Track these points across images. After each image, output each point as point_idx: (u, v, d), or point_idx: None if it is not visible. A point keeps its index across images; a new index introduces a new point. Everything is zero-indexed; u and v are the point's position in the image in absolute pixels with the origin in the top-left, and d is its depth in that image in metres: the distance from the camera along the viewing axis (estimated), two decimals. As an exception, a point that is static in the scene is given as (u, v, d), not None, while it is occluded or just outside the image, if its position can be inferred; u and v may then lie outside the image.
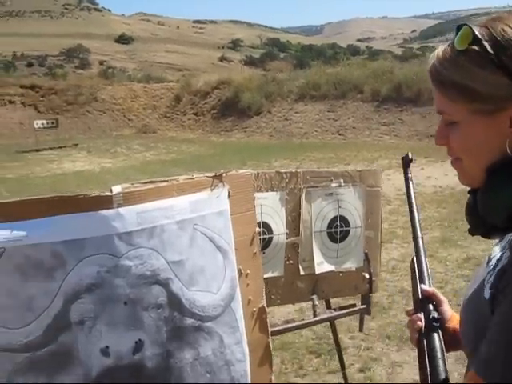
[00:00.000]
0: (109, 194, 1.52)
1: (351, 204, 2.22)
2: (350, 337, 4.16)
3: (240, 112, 23.31)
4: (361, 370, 3.71)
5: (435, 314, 1.17)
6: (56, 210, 1.50)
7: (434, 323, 1.15)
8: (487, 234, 1.07)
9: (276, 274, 2.08)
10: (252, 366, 1.85)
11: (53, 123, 21.03)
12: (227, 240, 1.75)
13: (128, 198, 1.54)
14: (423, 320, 1.17)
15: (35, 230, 1.49)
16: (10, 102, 25.64)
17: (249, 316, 1.83)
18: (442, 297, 1.26)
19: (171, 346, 1.65)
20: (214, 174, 1.73)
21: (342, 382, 3.55)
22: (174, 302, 1.63)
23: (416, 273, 1.25)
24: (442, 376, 1.07)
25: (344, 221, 2.22)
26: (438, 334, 1.13)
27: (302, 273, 2.16)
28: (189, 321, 1.68)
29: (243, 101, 23.32)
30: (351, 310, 2.38)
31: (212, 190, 1.72)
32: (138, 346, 1.58)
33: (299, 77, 24.48)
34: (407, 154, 1.42)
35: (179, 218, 1.64)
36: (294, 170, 2.09)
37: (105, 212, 1.52)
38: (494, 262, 1.06)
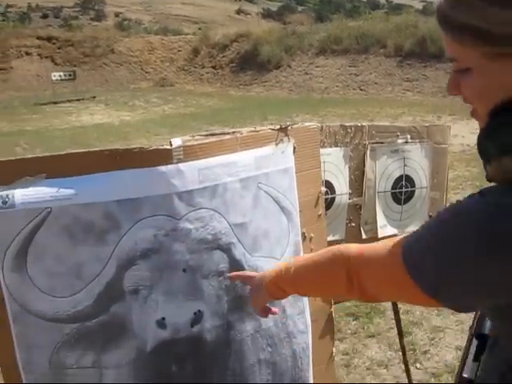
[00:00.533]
0: (168, 147, 1.34)
1: (417, 162, 2.02)
2: (388, 299, 4.01)
3: (259, 66, 22.86)
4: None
5: None
6: (108, 166, 1.32)
7: None
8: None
9: (337, 238, 1.91)
10: (314, 337, 1.70)
11: (70, 75, 20.81)
12: (292, 201, 1.58)
13: (189, 153, 1.36)
14: None
15: (85, 188, 1.32)
16: (27, 53, 25.34)
17: (312, 284, 1.66)
18: None
19: (232, 317, 1.50)
20: (278, 126, 1.53)
21: (383, 346, 3.43)
22: (236, 269, 1.46)
23: None
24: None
25: (409, 181, 2.03)
26: None
27: (363, 236, 1.98)
28: (251, 290, 1.52)
29: (262, 54, 22.84)
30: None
31: (277, 144, 1.53)
32: (197, 317, 1.42)
33: (320, 30, 23.84)
34: None
35: (243, 176, 1.45)
36: (359, 124, 1.89)
37: (163, 168, 1.34)
38: None
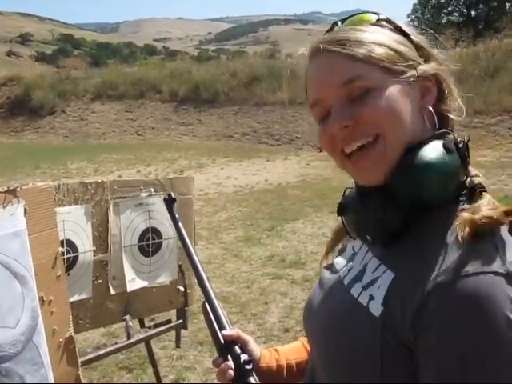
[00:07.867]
0: None
1: (163, 214, 2.08)
2: (162, 347, 4.01)
3: (32, 111, 21.91)
4: (175, 381, 3.60)
5: (245, 357, 1.03)
6: None
7: (247, 366, 1.02)
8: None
9: (83, 297, 1.87)
10: (59, 404, 1.63)
11: None
12: (25, 265, 1.52)
13: None
14: (233, 367, 1.02)
15: None
16: None
17: (55, 348, 1.61)
18: (246, 336, 1.12)
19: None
20: (6, 188, 1.48)
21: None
22: None
23: (212, 318, 1.09)
24: None
25: (156, 232, 2.08)
26: (254, 376, 1.02)
27: (112, 292, 1.97)
28: (-20, 364, 1.42)
29: (35, 99, 21.95)
30: (167, 326, 2.22)
31: (5, 207, 1.47)
32: None
33: (95, 75, 23.64)
34: (170, 195, 1.27)
35: (-35, 243, 1.37)
36: (100, 180, 1.90)
37: None
38: (346, 271, 0.99)
